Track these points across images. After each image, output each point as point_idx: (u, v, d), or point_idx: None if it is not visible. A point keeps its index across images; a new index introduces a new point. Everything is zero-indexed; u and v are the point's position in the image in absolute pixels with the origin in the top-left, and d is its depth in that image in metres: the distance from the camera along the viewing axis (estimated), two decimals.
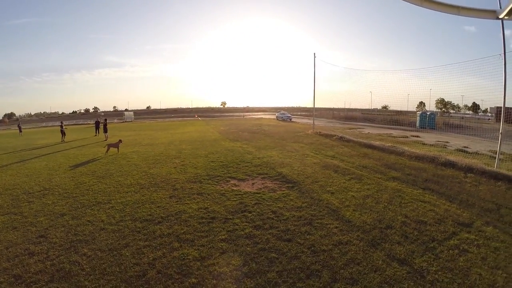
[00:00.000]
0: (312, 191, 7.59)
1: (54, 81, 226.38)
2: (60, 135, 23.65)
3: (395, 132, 23.91)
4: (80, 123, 60.93)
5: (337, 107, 48.77)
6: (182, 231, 5.51)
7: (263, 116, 62.48)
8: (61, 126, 24.26)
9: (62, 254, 4.88)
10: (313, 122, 25.59)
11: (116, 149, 15.32)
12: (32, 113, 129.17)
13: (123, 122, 57.34)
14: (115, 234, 5.50)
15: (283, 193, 7.46)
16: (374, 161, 11.48)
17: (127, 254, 4.82)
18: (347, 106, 45.49)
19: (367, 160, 11.79)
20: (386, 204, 6.63)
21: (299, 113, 69.61)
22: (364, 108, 46.54)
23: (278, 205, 6.64)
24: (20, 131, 33.56)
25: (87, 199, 7.61)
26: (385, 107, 55.77)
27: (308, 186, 8.02)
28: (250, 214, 6.17)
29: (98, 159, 13.57)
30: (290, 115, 47.76)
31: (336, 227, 5.44)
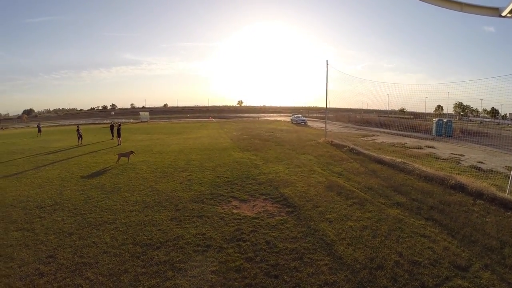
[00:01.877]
0: (310, 219, 7.77)
1: (73, 78, 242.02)
2: (77, 138, 25.07)
3: (409, 142, 23.55)
4: (97, 122, 63.19)
5: (353, 107, 48.10)
6: (178, 259, 5.90)
7: (278, 119, 62.44)
8: (78, 130, 25.62)
9: (68, 277, 5.42)
10: (325, 131, 25.54)
11: (127, 158, 16.01)
12: (51, 109, 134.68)
13: (138, 122, 59.03)
14: (116, 259, 5.97)
15: (281, 220, 7.67)
16: (381, 181, 11.50)
17: (125, 280, 5.27)
18: (364, 107, 44.83)
19: (374, 179, 11.82)
20: (383, 238, 6.76)
21: (315, 115, 69.13)
22: (381, 109, 45.72)
23: (274, 234, 6.86)
24: (40, 131, 35.42)
25: (94, 217, 8.18)
26: (402, 110, 54.64)
27: (308, 212, 8.22)
28: (244, 244, 6.46)
29: (109, 169, 14.37)
30: (304, 118, 47.83)
31: (326, 264, 5.66)
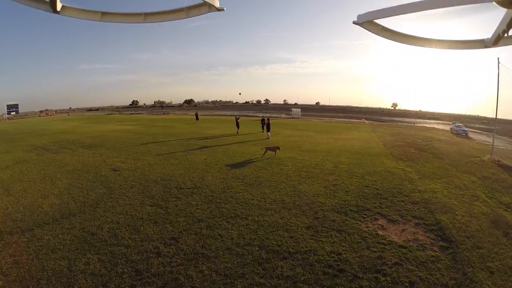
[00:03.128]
0: (468, 263, 6.49)
1: (229, 74, 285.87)
2: (236, 127, 29.29)
3: None
4: (250, 114, 71.19)
5: None
6: (302, 278, 5.59)
7: (436, 126, 57.02)
8: (236, 119, 29.80)
9: (182, 264, 6.03)
10: (492, 147, 20.54)
11: (274, 152, 16.96)
12: (209, 100, 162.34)
13: (290, 118, 62.75)
14: (237, 259, 6.17)
15: (432, 256, 6.69)
16: None
17: (238, 286, 5.32)
18: None
19: None
20: None
21: (478, 126, 60.20)
22: None
23: (421, 273, 5.99)
24: (197, 118, 42.76)
25: (228, 208, 8.89)
26: None
27: (466, 253, 6.87)
28: (383, 279, 5.70)
29: (254, 161, 15.78)
30: (466, 129, 44.76)
31: None
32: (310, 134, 29.55)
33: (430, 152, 21.36)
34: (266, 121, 27.16)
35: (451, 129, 47.47)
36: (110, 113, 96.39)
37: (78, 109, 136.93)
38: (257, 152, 18.04)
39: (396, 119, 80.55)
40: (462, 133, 42.63)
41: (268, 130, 26.28)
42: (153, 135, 27.51)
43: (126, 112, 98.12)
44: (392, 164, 16.15)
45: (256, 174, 12.96)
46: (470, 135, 43.08)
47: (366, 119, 68.32)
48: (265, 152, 17.01)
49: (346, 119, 65.36)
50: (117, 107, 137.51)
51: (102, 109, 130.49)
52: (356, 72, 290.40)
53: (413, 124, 58.63)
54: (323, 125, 45.09)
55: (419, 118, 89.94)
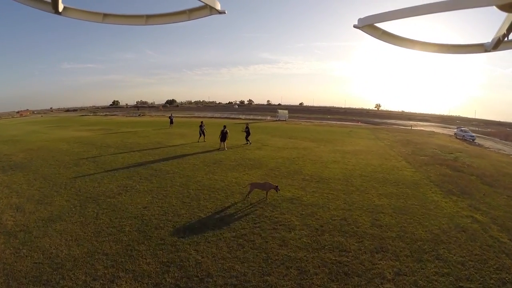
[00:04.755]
0: None
1: (213, 74, 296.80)
2: (198, 135, 24.13)
3: None
4: (232, 117, 64.25)
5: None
6: None
7: (434, 130, 53.16)
8: (201, 126, 24.00)
9: None
10: None
11: (265, 193, 10.40)
12: (192, 101, 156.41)
13: (276, 120, 56.06)
14: None
15: None
16: None
17: None
18: None
19: None
20: None
21: (476, 129, 60.71)
22: None
23: None
24: (171, 122, 35.62)
25: None
26: None
27: None
28: None
29: (231, 212, 9.30)
30: (473, 134, 41.59)
31: None
32: (307, 145, 22.90)
33: (469, 173, 16.26)
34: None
35: (455, 134, 43.92)
36: (84, 114, 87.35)
37: (59, 110, 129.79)
38: (236, 184, 11.67)
39: (388, 121, 76.41)
40: (469, 139, 39.16)
41: (224, 139, 20.47)
42: (104, 147, 20.50)
43: (101, 114, 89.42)
44: (449, 205, 10.73)
45: (234, 257, 6.63)
46: (478, 141, 39.45)
47: (350, 120, 63.82)
48: (250, 192, 10.33)
49: (337, 122, 59.35)
50: (97, 108, 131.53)
51: (81, 109, 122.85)
52: (338, 73, 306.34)
53: (410, 128, 53.89)
54: (317, 130, 38.41)
55: (409, 119, 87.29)
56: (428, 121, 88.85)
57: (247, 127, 23.03)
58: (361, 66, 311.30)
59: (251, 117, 64.23)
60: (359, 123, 56.20)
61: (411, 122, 76.30)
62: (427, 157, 20.58)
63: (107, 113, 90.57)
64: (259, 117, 63.13)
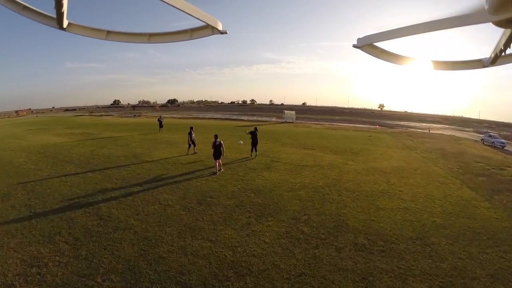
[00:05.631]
0: None
1: (215, 74, 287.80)
2: (188, 145, 18.93)
3: None
4: (233, 118, 58.67)
5: None
6: None
7: (454, 134, 48.13)
8: (190, 134, 18.67)
9: None
10: None
11: None
12: (194, 100, 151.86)
13: (282, 122, 50.39)
14: None
15: None
16: None
17: None
18: None
19: None
20: None
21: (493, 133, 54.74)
22: None
23: None
24: (161, 126, 30.15)
25: None
26: None
27: None
28: None
29: None
30: (504, 140, 38.60)
31: None
32: (331, 161, 17.15)
33: None
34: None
35: (482, 140, 40.62)
36: (79, 115, 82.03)
37: (60, 109, 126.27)
38: (232, 265, 6.24)
39: (401, 123, 71.17)
40: (500, 145, 36.14)
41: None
42: (63, 163, 15.41)
43: (96, 114, 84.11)
44: None
45: None
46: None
47: (360, 122, 59.09)
48: None
49: (348, 124, 53.44)
50: (98, 107, 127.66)
51: (81, 109, 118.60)
52: (341, 73, 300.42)
53: (428, 131, 48.34)
54: (332, 135, 32.60)
55: (420, 121, 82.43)
56: (440, 123, 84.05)
57: (254, 132, 17.50)
58: (364, 66, 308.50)
59: (255, 118, 58.49)
60: (377, 127, 50.49)
61: (423, 124, 71.76)
62: (484, 177, 15.42)
63: (103, 113, 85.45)
64: (264, 118, 57.36)
